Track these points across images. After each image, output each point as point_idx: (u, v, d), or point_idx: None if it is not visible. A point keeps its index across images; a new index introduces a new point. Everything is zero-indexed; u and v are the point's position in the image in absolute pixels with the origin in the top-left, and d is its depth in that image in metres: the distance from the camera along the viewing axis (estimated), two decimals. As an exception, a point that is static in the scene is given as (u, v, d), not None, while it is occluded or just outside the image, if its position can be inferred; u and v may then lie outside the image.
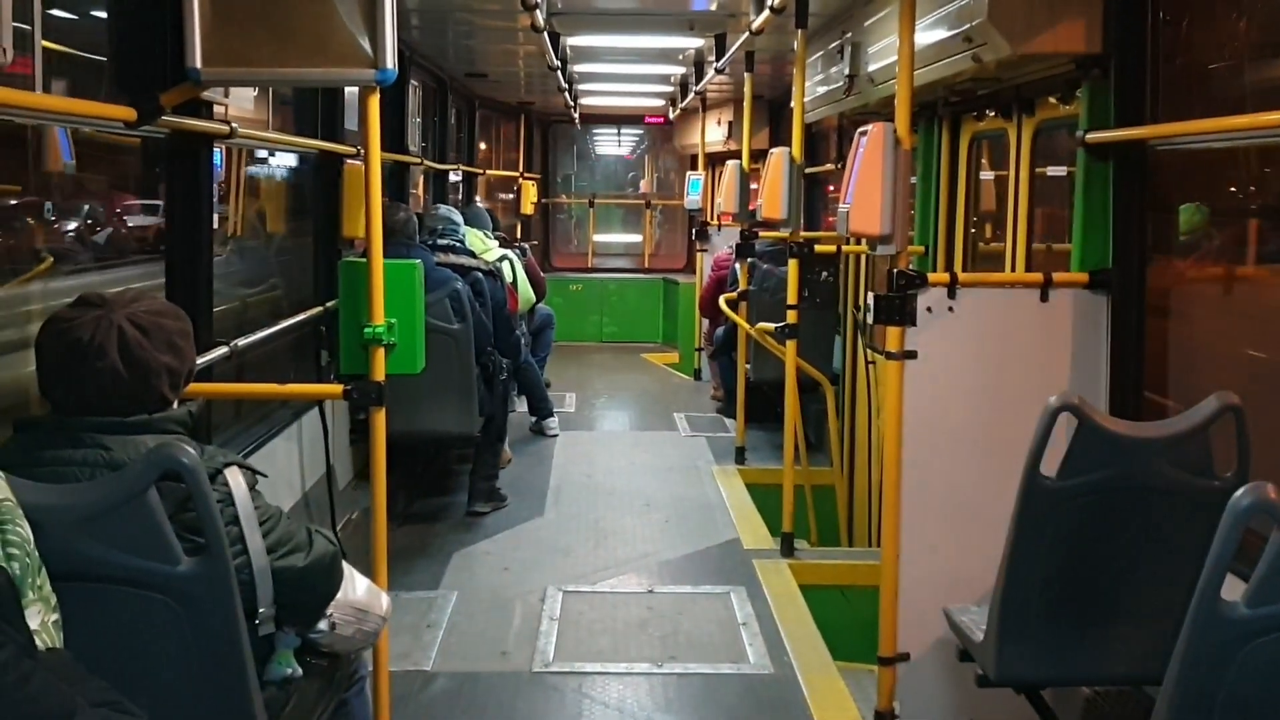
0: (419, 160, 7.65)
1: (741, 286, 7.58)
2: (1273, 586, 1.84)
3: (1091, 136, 3.57)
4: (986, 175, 5.51)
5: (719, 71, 7.65)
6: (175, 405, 2.29)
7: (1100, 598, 2.81)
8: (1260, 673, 1.88)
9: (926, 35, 4.15)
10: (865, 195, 3.44)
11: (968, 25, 3.83)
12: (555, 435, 8.17)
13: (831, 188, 8.48)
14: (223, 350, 3.56)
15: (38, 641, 1.78)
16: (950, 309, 3.58)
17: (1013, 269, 4.71)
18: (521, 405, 8.21)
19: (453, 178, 9.71)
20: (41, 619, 1.81)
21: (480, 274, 5.98)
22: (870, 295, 3.59)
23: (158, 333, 2.21)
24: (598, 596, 5.13)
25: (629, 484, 7.03)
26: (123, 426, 2.15)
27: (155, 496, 2.00)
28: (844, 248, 6.55)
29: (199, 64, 2.84)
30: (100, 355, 2.14)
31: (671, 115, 12.16)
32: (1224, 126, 3.19)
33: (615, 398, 10.06)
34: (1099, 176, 3.62)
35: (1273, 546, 1.82)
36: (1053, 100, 4.35)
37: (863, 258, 6.88)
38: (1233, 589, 1.86)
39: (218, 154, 3.88)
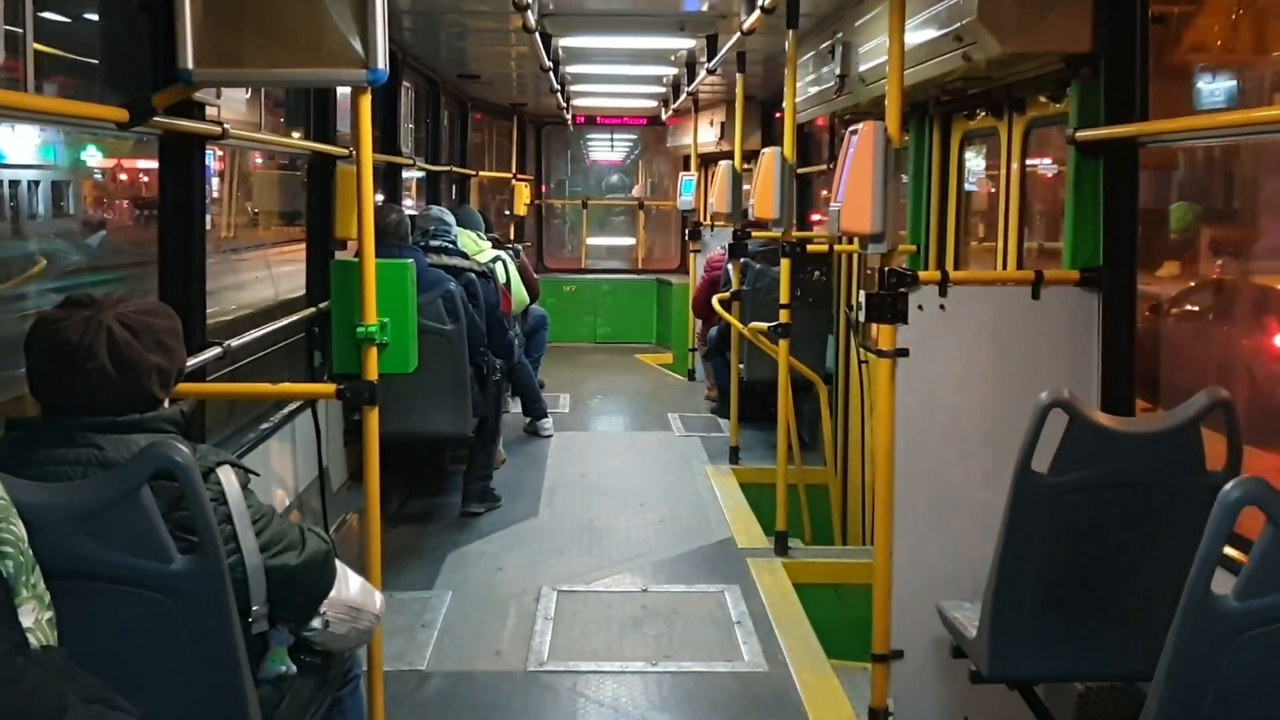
0: (411, 161, 7.65)
1: (734, 286, 7.59)
2: (1263, 580, 1.85)
3: (1082, 134, 3.58)
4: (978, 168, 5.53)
5: (711, 72, 7.66)
6: (167, 404, 2.29)
7: (1092, 593, 2.81)
8: (1251, 666, 1.89)
9: (917, 35, 4.16)
10: (856, 194, 3.44)
11: (958, 24, 3.84)
12: (549, 436, 8.18)
13: (825, 192, 8.50)
14: (215, 350, 3.56)
15: (32, 640, 1.78)
16: (942, 307, 3.58)
17: (1004, 267, 4.72)
18: (516, 406, 8.22)
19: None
20: (35, 617, 1.82)
21: (473, 275, 5.98)
22: (862, 294, 3.60)
23: (147, 332, 2.21)
24: (592, 596, 5.13)
25: (623, 484, 7.03)
26: (115, 426, 2.15)
27: (148, 495, 2.00)
28: (836, 247, 6.56)
29: (190, 65, 2.84)
30: (89, 356, 2.14)
31: (664, 116, 12.17)
32: (1213, 123, 3.22)
33: (609, 398, 10.06)
34: (1090, 174, 3.63)
35: (1263, 540, 1.84)
36: (1043, 99, 4.36)
37: (855, 257, 6.89)
38: (1223, 583, 1.87)
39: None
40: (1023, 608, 2.81)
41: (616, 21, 7.08)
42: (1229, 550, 2.13)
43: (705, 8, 6.52)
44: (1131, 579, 2.78)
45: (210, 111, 3.49)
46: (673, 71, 9.45)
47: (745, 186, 7.63)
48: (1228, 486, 1.83)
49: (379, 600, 2.68)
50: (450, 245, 6.26)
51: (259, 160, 7.00)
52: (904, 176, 5.58)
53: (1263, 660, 1.88)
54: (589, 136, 15.12)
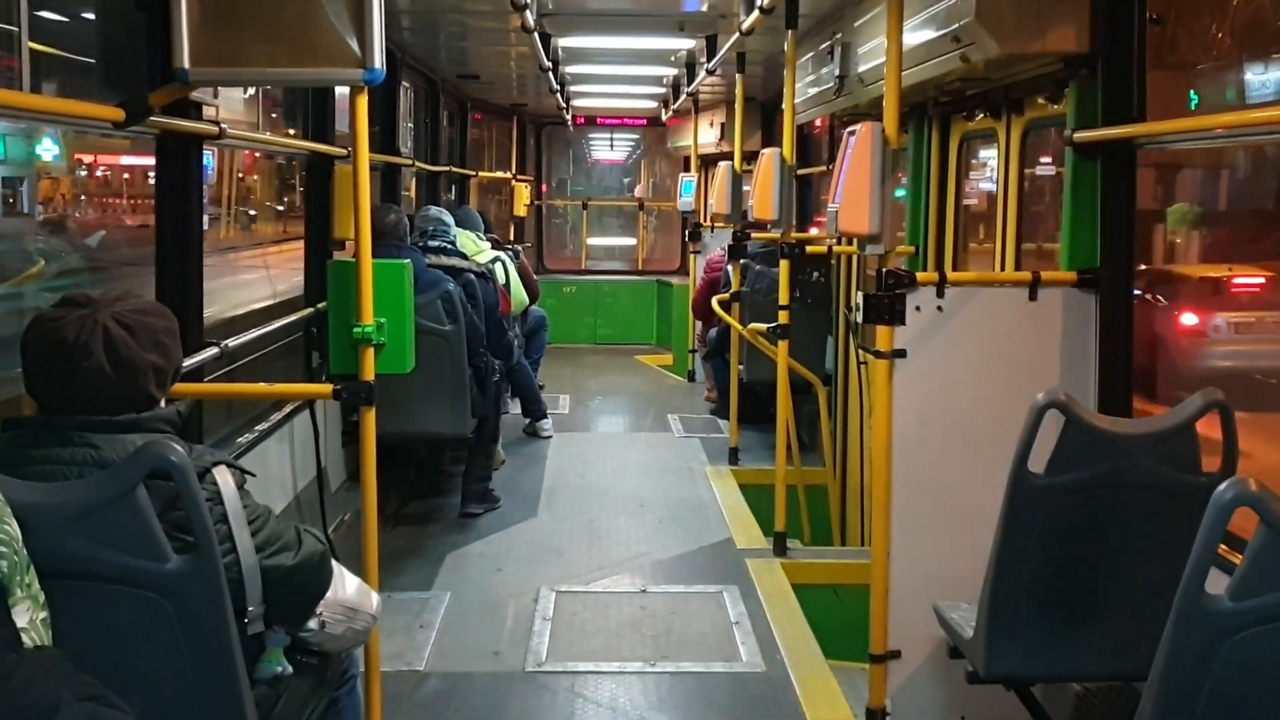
0: (410, 162, 7.65)
1: (734, 288, 7.59)
2: (1256, 580, 1.85)
3: (1079, 136, 3.58)
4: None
5: (710, 73, 7.66)
6: (163, 404, 2.29)
7: (1089, 594, 2.81)
8: (1244, 666, 1.89)
9: (915, 35, 4.16)
10: (854, 195, 3.45)
11: (956, 25, 3.84)
12: (549, 437, 8.18)
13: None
14: (212, 351, 3.56)
15: (26, 639, 1.78)
16: (939, 308, 3.58)
17: (1002, 268, 4.72)
18: (515, 407, 8.21)
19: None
20: (30, 617, 1.82)
21: (472, 275, 5.98)
22: (860, 295, 3.60)
23: (143, 331, 2.21)
24: (591, 596, 5.13)
25: (622, 485, 7.03)
26: (111, 425, 2.15)
27: (144, 494, 2.00)
28: (835, 248, 6.56)
29: (187, 64, 2.84)
30: (86, 355, 2.14)
31: (664, 117, 12.18)
32: (1211, 124, 3.22)
33: (609, 399, 10.06)
34: (1087, 176, 3.63)
35: (1257, 541, 1.83)
36: (1041, 100, 4.36)
37: (854, 258, 6.89)
38: (1217, 583, 1.87)
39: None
40: (1019, 608, 2.81)
41: (616, 22, 7.08)
42: (1223, 551, 2.12)
43: (705, 8, 6.52)
44: (1128, 579, 2.78)
45: (208, 111, 3.49)
46: (672, 72, 9.45)
47: (745, 187, 7.63)
48: (1221, 487, 1.83)
49: (375, 601, 2.68)
50: (449, 246, 6.26)
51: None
52: (902, 177, 5.59)
53: (1256, 660, 1.88)
54: (589, 137, 15.13)
